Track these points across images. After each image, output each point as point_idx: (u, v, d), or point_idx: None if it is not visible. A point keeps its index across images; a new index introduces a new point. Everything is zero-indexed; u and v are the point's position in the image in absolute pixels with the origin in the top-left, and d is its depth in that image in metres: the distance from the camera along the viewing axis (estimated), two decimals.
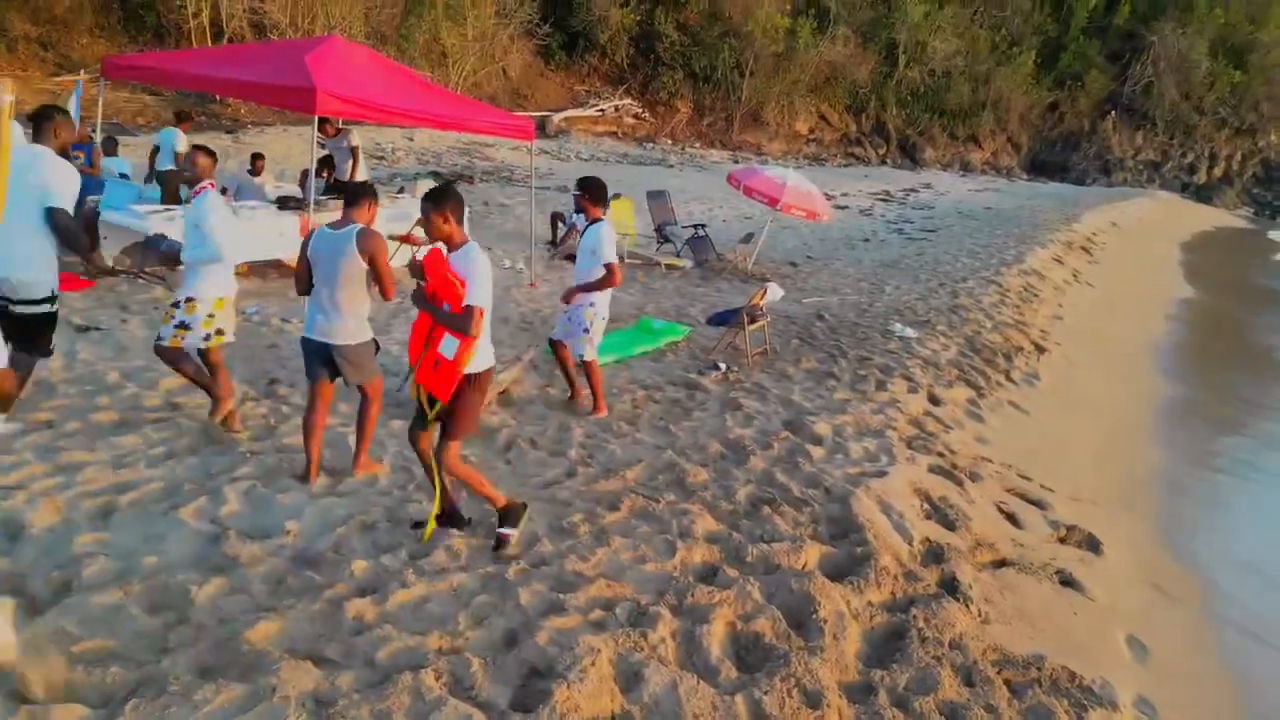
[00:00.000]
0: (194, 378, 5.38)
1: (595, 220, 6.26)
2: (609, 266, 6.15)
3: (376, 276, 4.68)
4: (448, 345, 4.06)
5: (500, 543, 4.28)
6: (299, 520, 4.39)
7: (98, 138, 10.34)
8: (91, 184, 8.34)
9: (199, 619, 3.49)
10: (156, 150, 10.68)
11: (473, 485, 4.30)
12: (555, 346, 6.56)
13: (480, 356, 4.18)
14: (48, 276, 4.80)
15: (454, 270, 4.03)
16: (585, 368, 6.41)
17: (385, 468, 5.16)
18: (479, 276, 4.01)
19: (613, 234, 6.26)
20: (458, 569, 4.03)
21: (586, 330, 6.32)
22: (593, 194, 6.23)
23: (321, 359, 4.79)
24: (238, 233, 5.38)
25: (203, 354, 5.34)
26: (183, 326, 5.18)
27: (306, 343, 4.81)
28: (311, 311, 4.76)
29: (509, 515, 4.35)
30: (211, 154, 5.32)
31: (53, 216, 4.66)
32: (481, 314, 4.01)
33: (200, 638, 3.36)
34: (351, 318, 4.72)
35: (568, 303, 6.33)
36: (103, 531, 4.13)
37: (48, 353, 5.07)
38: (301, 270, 4.73)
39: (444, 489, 4.38)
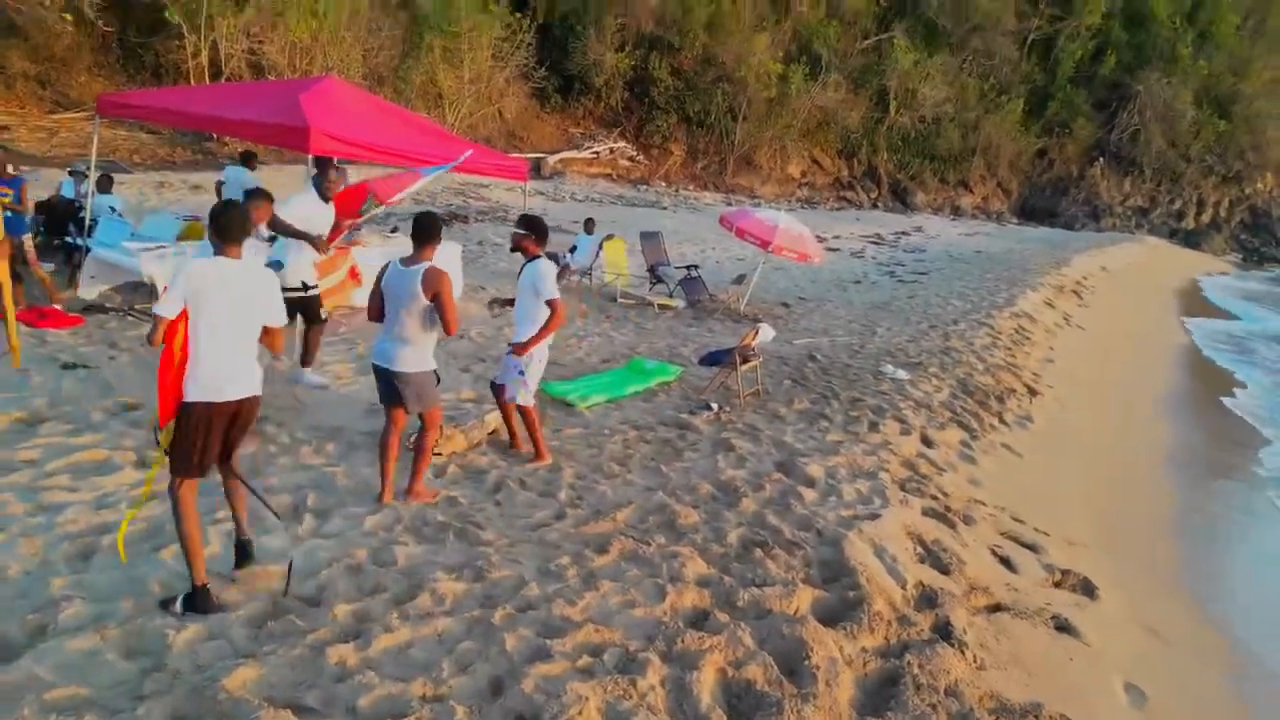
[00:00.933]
0: None
1: (534, 258, 5.90)
2: (551, 304, 5.76)
3: (440, 312, 4.92)
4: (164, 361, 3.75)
5: (167, 604, 3.83)
6: (283, 564, 4.30)
7: (93, 175, 10.36)
8: (16, 222, 8.13)
9: (176, 665, 3.41)
10: (220, 185, 11.18)
11: (182, 535, 3.85)
12: (496, 390, 6.18)
13: (195, 385, 3.79)
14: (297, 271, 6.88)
15: None
16: (521, 413, 6.08)
17: (438, 495, 5.28)
18: (172, 282, 3.75)
19: (553, 270, 5.90)
20: (442, 614, 3.95)
21: (521, 373, 5.90)
22: (538, 232, 5.90)
23: (389, 386, 5.10)
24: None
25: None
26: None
27: (375, 369, 5.16)
28: (380, 341, 5.13)
29: (197, 597, 3.82)
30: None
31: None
32: (165, 324, 3.71)
33: (177, 685, 3.28)
34: (414, 348, 5.01)
35: (518, 356, 5.89)
36: (82, 573, 4.05)
37: (318, 320, 7.21)
38: (375, 301, 5.13)
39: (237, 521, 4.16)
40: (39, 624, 3.61)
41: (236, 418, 3.95)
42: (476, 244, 16.41)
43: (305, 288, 7.04)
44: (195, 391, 3.80)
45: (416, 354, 5.04)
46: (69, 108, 21.09)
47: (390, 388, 5.10)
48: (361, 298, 10.15)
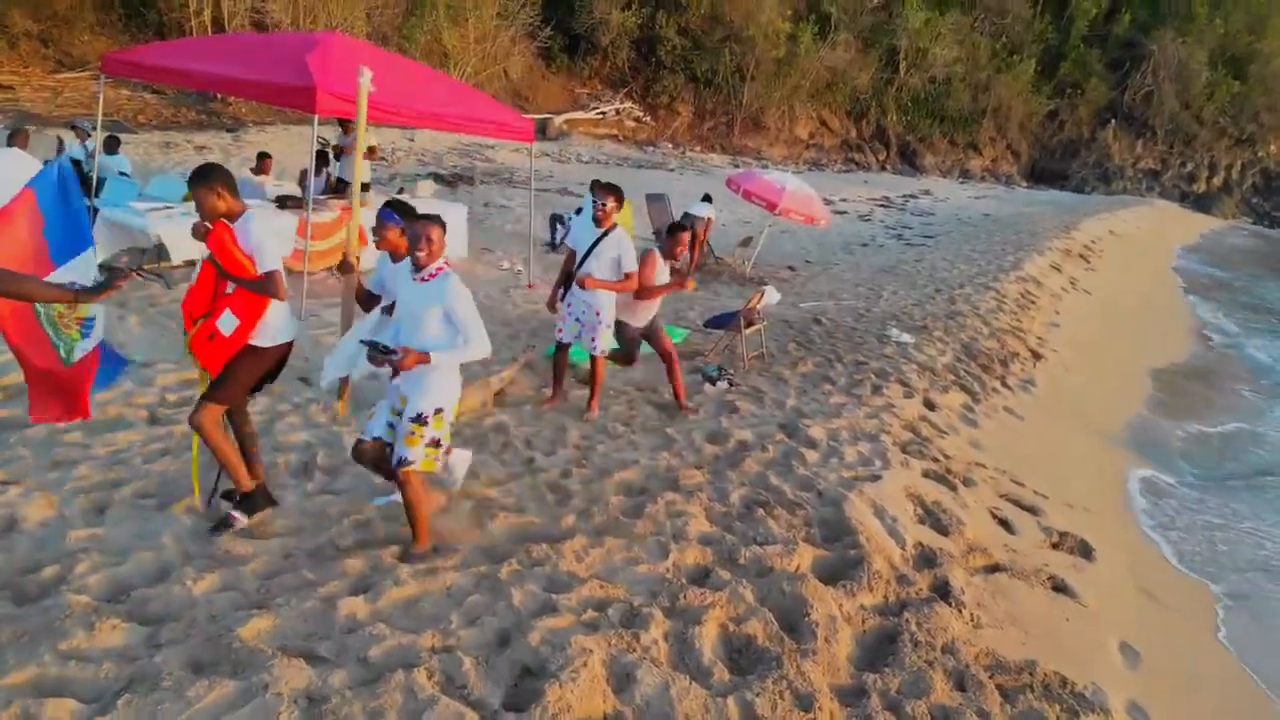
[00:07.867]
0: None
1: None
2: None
3: None
4: (226, 322, 4.00)
5: (224, 524, 4.20)
6: (292, 518, 4.39)
7: (99, 135, 10.33)
8: None
9: (191, 615, 3.49)
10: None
11: (220, 457, 4.14)
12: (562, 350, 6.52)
13: (268, 330, 4.11)
14: None
15: (240, 244, 3.98)
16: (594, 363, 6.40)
17: None
18: (267, 242, 4.01)
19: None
20: (450, 568, 4.04)
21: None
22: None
23: None
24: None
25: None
26: (435, 445, 4.10)
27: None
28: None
29: (249, 501, 4.28)
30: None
31: None
32: (280, 276, 4.01)
33: (192, 634, 3.37)
34: None
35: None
36: (96, 527, 4.14)
37: None
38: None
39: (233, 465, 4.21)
40: (57, 575, 3.70)
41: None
42: (482, 206, 16.35)
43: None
44: (272, 336, 4.21)
45: None
46: (72, 67, 20.94)
47: None
48: (370, 259, 10.16)
